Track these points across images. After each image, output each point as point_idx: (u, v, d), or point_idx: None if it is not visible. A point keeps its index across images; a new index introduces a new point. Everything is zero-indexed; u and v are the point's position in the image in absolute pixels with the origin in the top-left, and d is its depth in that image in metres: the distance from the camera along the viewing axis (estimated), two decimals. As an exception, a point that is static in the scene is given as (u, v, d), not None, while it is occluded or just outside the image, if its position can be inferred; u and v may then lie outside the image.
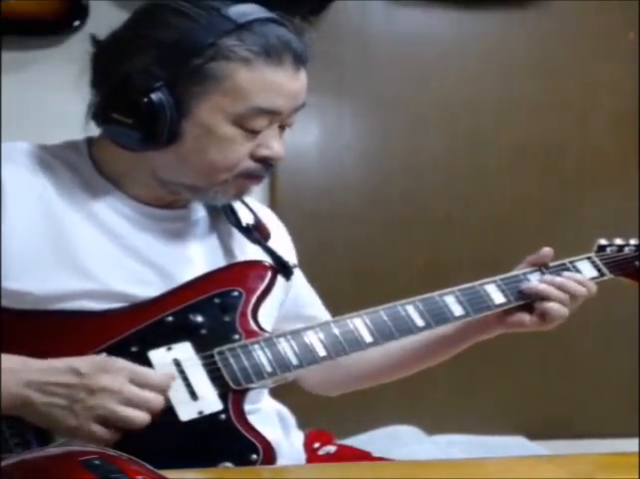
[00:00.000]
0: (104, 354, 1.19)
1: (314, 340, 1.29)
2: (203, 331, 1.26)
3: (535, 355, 2.83)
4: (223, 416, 1.21)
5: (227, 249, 1.40)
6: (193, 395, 1.21)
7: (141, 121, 1.23)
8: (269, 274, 1.34)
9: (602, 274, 1.49)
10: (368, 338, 1.32)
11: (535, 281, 1.43)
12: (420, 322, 1.35)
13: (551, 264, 1.46)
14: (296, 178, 2.72)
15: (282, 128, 1.31)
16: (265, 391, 1.40)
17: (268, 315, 1.37)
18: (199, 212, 1.40)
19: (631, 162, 2.88)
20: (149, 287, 1.29)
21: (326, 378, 1.56)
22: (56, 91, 1.93)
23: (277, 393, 1.44)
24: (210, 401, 1.21)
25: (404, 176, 2.80)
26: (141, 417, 1.14)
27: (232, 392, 1.23)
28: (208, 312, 1.27)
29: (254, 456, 1.20)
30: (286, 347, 1.26)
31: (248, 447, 1.21)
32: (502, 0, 2.83)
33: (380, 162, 2.81)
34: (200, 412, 1.20)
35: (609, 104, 2.88)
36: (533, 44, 2.85)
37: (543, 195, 2.87)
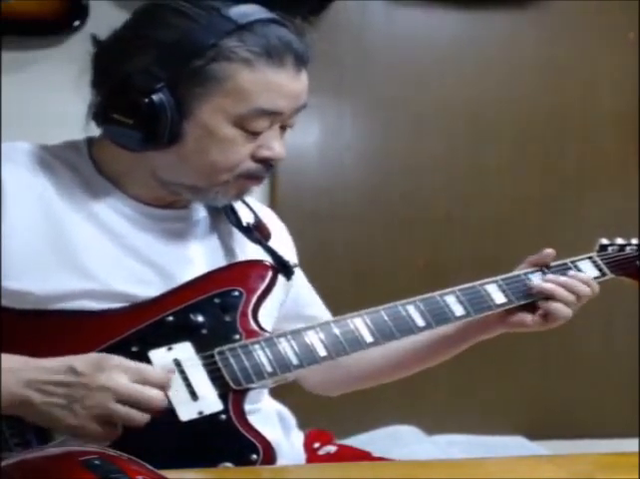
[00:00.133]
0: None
1: (314, 340, 1.29)
2: (204, 331, 1.26)
3: (535, 355, 2.83)
4: (223, 416, 1.21)
5: (228, 249, 1.40)
6: (194, 395, 1.21)
7: (141, 121, 1.23)
8: (270, 274, 1.34)
9: (604, 274, 1.48)
10: (368, 338, 1.32)
11: (540, 280, 1.43)
12: (420, 322, 1.35)
13: (553, 264, 1.46)
14: (296, 178, 2.72)
15: (283, 128, 1.31)
16: (265, 391, 1.40)
17: (269, 315, 1.37)
18: (200, 212, 1.40)
19: (631, 162, 2.88)
20: (149, 287, 1.29)
21: (326, 378, 1.55)
22: (56, 91, 1.93)
23: (277, 393, 1.44)
24: (211, 401, 1.21)
25: (404, 176, 2.81)
26: (139, 415, 1.14)
27: (232, 392, 1.23)
28: (209, 312, 1.27)
29: (254, 456, 1.20)
30: (286, 347, 1.26)
31: (248, 447, 1.21)
32: (503, 0, 2.83)
33: (380, 162, 2.81)
34: (200, 412, 1.20)
35: (609, 104, 2.88)
36: (533, 44, 2.85)
37: (543, 195, 2.87)
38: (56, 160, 1.32)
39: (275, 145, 1.29)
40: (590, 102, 2.88)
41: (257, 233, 1.40)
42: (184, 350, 1.23)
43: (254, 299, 1.30)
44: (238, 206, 1.40)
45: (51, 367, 1.15)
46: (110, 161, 1.32)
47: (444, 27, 2.83)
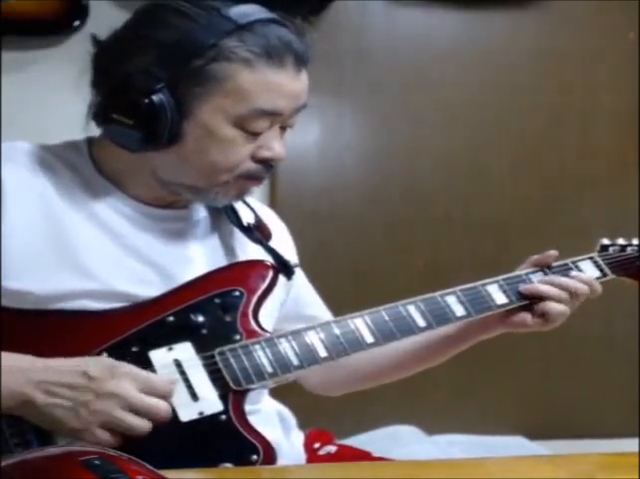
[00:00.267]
0: (105, 355, 1.19)
1: (315, 341, 1.28)
2: (204, 331, 1.26)
3: (535, 355, 2.83)
4: (224, 417, 1.21)
5: (228, 249, 1.40)
6: (194, 396, 1.21)
7: (141, 121, 1.23)
8: (270, 274, 1.34)
9: (605, 275, 1.48)
10: (369, 339, 1.32)
11: (535, 282, 1.43)
12: (421, 323, 1.35)
13: (554, 265, 1.46)
14: (296, 178, 2.72)
15: (283, 129, 1.31)
16: (265, 392, 1.40)
17: (269, 315, 1.37)
18: (200, 212, 1.40)
19: (631, 162, 2.88)
20: (149, 287, 1.29)
21: (327, 379, 1.55)
22: (56, 91, 1.93)
23: (277, 393, 1.44)
24: (211, 402, 1.21)
25: (404, 176, 2.80)
26: (143, 425, 1.14)
27: (233, 393, 1.23)
28: (209, 312, 1.27)
29: (254, 457, 1.20)
30: (287, 348, 1.26)
31: (249, 448, 1.21)
32: (503, 1, 2.83)
33: (380, 162, 2.81)
34: (201, 413, 1.20)
35: (609, 104, 2.88)
36: (533, 44, 2.85)
37: (543, 195, 2.87)
38: (56, 160, 1.32)
39: (275, 145, 1.29)
40: (590, 102, 2.88)
41: (258, 232, 1.40)
42: (185, 350, 1.23)
43: (255, 299, 1.30)
44: (239, 206, 1.40)
45: (60, 368, 1.14)
46: (110, 161, 1.32)
47: (444, 27, 2.82)
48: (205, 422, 1.20)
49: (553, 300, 1.41)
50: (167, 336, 1.24)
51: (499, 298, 1.41)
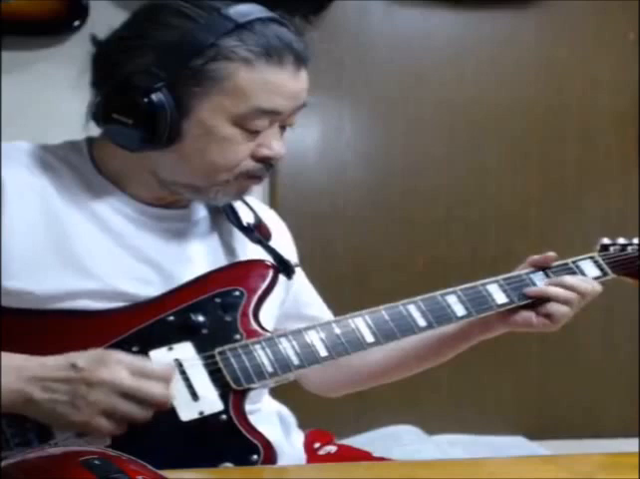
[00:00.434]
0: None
1: (315, 340, 1.28)
2: (204, 331, 1.26)
3: (535, 355, 2.83)
4: (224, 416, 1.21)
5: (229, 249, 1.40)
6: (194, 395, 1.21)
7: (141, 121, 1.23)
8: (271, 274, 1.34)
9: (605, 274, 1.48)
10: (369, 338, 1.31)
11: (541, 281, 1.43)
12: (422, 322, 1.35)
13: (554, 264, 1.46)
14: (296, 178, 2.72)
15: (283, 128, 1.31)
16: (266, 391, 1.40)
17: (269, 315, 1.37)
18: (200, 211, 1.40)
19: (631, 161, 2.88)
20: (149, 287, 1.29)
21: (327, 379, 1.55)
22: (56, 91, 1.93)
23: (277, 393, 1.44)
24: (211, 401, 1.21)
25: (404, 176, 2.81)
26: (142, 411, 1.14)
27: (233, 392, 1.22)
28: (210, 312, 1.27)
29: (255, 456, 1.20)
30: (287, 347, 1.26)
31: (249, 447, 1.21)
32: (503, 0, 2.83)
33: (380, 161, 2.81)
34: (201, 412, 1.20)
35: (609, 104, 2.88)
36: (534, 44, 2.85)
37: (543, 195, 2.87)
38: (56, 160, 1.32)
39: (275, 144, 1.29)
40: (590, 102, 2.88)
41: (257, 232, 1.40)
42: (185, 350, 1.23)
43: (255, 299, 1.30)
44: (239, 205, 1.40)
45: (52, 364, 1.15)
46: (110, 160, 1.32)
47: (444, 27, 2.83)
48: (206, 422, 1.20)
49: (559, 302, 1.41)
50: (168, 336, 1.24)
51: (500, 298, 1.41)
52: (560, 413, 2.88)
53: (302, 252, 1.54)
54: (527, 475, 1.15)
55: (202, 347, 1.24)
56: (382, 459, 1.47)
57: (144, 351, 1.22)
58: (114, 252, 1.29)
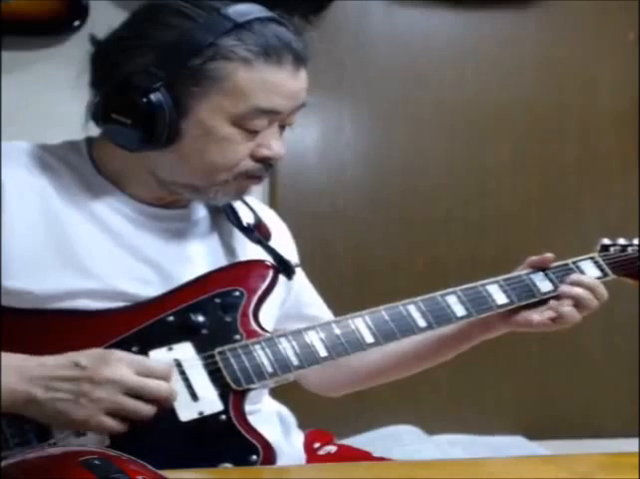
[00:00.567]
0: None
1: (315, 341, 1.28)
2: (204, 331, 1.26)
3: (535, 355, 2.83)
4: (224, 417, 1.21)
5: (229, 249, 1.40)
6: (194, 396, 1.21)
7: (140, 121, 1.23)
8: (271, 274, 1.34)
9: (605, 275, 1.48)
10: (369, 339, 1.31)
11: (542, 280, 1.43)
12: (422, 323, 1.35)
13: (554, 265, 1.46)
14: (296, 178, 2.72)
15: (282, 127, 1.31)
16: (266, 391, 1.40)
17: (269, 315, 1.37)
18: (200, 211, 1.39)
19: (631, 162, 2.88)
20: (149, 287, 1.29)
21: (327, 379, 1.55)
22: (56, 91, 1.92)
23: (277, 393, 1.44)
24: (211, 402, 1.21)
25: (404, 175, 2.81)
26: (146, 407, 1.15)
27: (233, 393, 1.23)
28: (209, 312, 1.27)
29: (254, 457, 1.20)
30: (287, 348, 1.26)
31: (248, 448, 1.21)
32: (503, 0, 2.83)
33: (380, 161, 2.81)
34: (201, 413, 1.20)
35: (609, 104, 2.88)
36: (533, 44, 2.85)
37: (543, 195, 2.87)
38: (56, 160, 1.32)
39: (274, 144, 1.29)
40: (590, 102, 2.88)
41: (257, 232, 1.40)
42: (185, 350, 1.23)
43: (255, 299, 1.30)
44: (238, 205, 1.40)
45: (54, 363, 1.15)
46: (109, 160, 1.32)
47: (443, 27, 2.83)
48: (205, 422, 1.20)
49: (577, 304, 1.41)
50: (167, 336, 1.24)
51: (500, 298, 1.41)
52: (560, 413, 2.87)
53: (302, 252, 1.54)
54: (527, 475, 1.15)
55: (202, 347, 1.24)
56: (382, 459, 1.47)
57: (143, 351, 1.22)
58: (113, 252, 1.29)
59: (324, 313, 1.54)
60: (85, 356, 1.15)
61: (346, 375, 1.55)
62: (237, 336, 1.26)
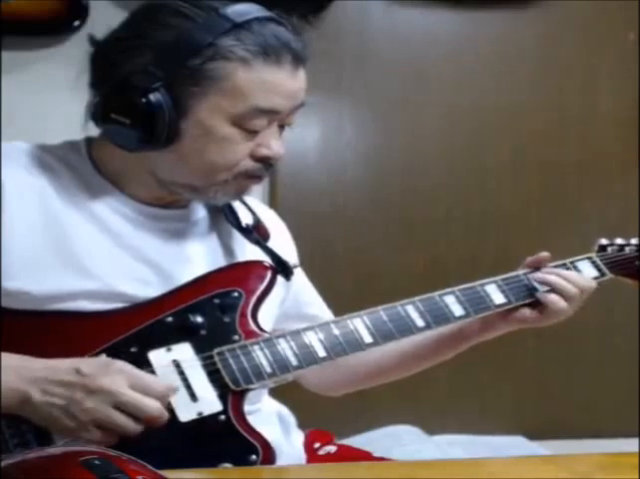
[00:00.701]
0: (103, 355, 1.19)
1: (314, 341, 1.28)
2: (203, 332, 1.26)
3: (535, 355, 2.83)
4: (223, 417, 1.21)
5: (228, 250, 1.40)
6: (193, 396, 1.21)
7: (139, 121, 1.23)
8: (269, 275, 1.34)
9: (603, 274, 1.48)
10: (368, 339, 1.31)
11: (541, 274, 1.43)
12: (420, 323, 1.35)
13: (551, 264, 1.46)
14: (296, 177, 2.72)
15: (282, 127, 1.31)
16: (265, 392, 1.40)
17: (268, 315, 1.37)
18: (200, 212, 1.39)
19: (631, 162, 2.88)
20: (148, 287, 1.29)
21: (327, 378, 1.55)
22: (56, 91, 1.92)
23: (277, 393, 1.44)
24: (210, 402, 1.21)
25: (404, 176, 2.81)
26: (132, 425, 1.13)
27: (232, 393, 1.23)
28: (208, 313, 1.27)
29: (254, 457, 1.20)
30: (286, 348, 1.26)
31: (248, 448, 1.21)
32: (503, 0, 2.83)
33: (380, 161, 2.81)
34: (200, 413, 1.20)
35: (609, 104, 2.88)
36: (533, 44, 2.85)
37: (543, 195, 2.87)
38: (55, 160, 1.32)
39: (274, 143, 1.29)
40: (590, 102, 2.88)
41: (256, 233, 1.40)
42: (184, 351, 1.23)
43: (254, 300, 1.30)
44: (238, 206, 1.40)
45: (56, 367, 1.14)
46: (109, 161, 1.32)
47: (443, 27, 2.82)
48: (205, 422, 1.20)
49: (556, 292, 1.41)
50: (166, 337, 1.24)
51: (498, 298, 1.41)
52: (560, 413, 2.87)
53: (302, 252, 1.54)
54: (527, 475, 1.15)
55: (201, 348, 1.24)
56: (382, 459, 1.47)
57: (142, 352, 1.22)
58: (113, 253, 1.29)
59: (324, 313, 1.54)
60: (87, 363, 1.15)
61: (345, 375, 1.55)
62: (236, 337, 1.27)
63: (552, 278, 1.42)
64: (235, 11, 1.25)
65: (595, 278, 1.46)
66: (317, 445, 1.51)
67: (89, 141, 1.35)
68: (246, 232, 1.39)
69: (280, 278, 1.36)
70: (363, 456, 1.50)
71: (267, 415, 1.39)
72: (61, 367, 1.14)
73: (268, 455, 1.22)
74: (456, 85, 2.81)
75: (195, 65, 1.22)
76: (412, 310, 1.35)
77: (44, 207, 1.27)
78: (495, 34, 2.83)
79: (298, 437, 1.49)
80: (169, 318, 1.26)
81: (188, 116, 1.24)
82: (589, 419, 2.87)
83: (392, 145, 2.81)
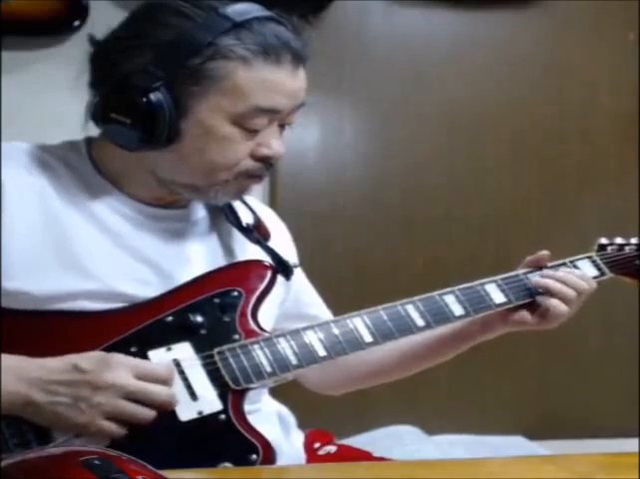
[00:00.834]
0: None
1: (314, 340, 1.29)
2: (203, 331, 1.26)
3: (535, 355, 2.83)
4: (223, 416, 1.21)
5: (228, 249, 1.40)
6: (193, 395, 1.21)
7: (139, 121, 1.23)
8: (269, 274, 1.34)
9: (602, 274, 1.48)
10: (368, 338, 1.32)
11: (537, 277, 1.43)
12: (420, 322, 1.35)
13: (551, 264, 1.46)
14: (296, 177, 2.72)
15: (282, 127, 1.31)
16: (265, 391, 1.40)
17: (268, 315, 1.37)
18: (200, 211, 1.39)
19: (631, 162, 2.88)
20: (148, 287, 1.29)
21: (327, 377, 1.55)
22: (56, 91, 1.92)
23: (277, 393, 1.44)
24: (210, 401, 1.21)
25: (404, 176, 2.81)
26: (146, 411, 1.15)
27: (232, 392, 1.23)
28: (208, 312, 1.27)
29: (254, 456, 1.20)
30: (286, 347, 1.26)
31: (248, 447, 1.21)
32: (503, 1, 2.83)
33: (380, 161, 2.81)
34: (200, 412, 1.20)
35: (609, 104, 2.88)
36: (533, 44, 2.85)
37: (543, 195, 2.87)
38: (55, 160, 1.32)
39: (274, 143, 1.29)
40: (590, 102, 2.88)
41: (256, 233, 1.40)
42: (184, 351, 1.23)
43: (254, 300, 1.30)
44: (238, 206, 1.40)
45: (54, 366, 1.15)
46: (109, 160, 1.32)
47: (443, 27, 2.83)
48: (205, 422, 1.20)
49: (555, 296, 1.40)
50: (166, 336, 1.24)
51: (498, 298, 1.41)
52: (560, 413, 2.88)
53: (302, 252, 1.54)
54: (527, 475, 1.15)
55: (201, 347, 1.24)
56: (382, 459, 1.47)
57: (142, 352, 1.22)
58: (112, 253, 1.29)
59: (324, 313, 1.54)
60: (85, 359, 1.15)
61: (345, 374, 1.55)
62: (236, 336, 1.27)
63: (551, 284, 1.41)
64: (235, 10, 1.25)
65: (595, 278, 1.46)
66: (317, 445, 1.51)
67: (89, 141, 1.35)
68: (247, 231, 1.39)
69: (280, 278, 1.36)
70: (363, 456, 1.50)
71: (267, 415, 1.39)
72: (58, 366, 1.15)
73: (268, 455, 1.22)
74: (456, 85, 2.81)
75: (196, 64, 1.22)
76: (412, 310, 1.35)
77: (44, 207, 1.27)
78: (495, 34, 2.84)
79: (298, 437, 1.49)
80: (169, 318, 1.26)
81: (189, 115, 1.24)
82: (589, 419, 2.87)
83: (392, 145, 2.81)
